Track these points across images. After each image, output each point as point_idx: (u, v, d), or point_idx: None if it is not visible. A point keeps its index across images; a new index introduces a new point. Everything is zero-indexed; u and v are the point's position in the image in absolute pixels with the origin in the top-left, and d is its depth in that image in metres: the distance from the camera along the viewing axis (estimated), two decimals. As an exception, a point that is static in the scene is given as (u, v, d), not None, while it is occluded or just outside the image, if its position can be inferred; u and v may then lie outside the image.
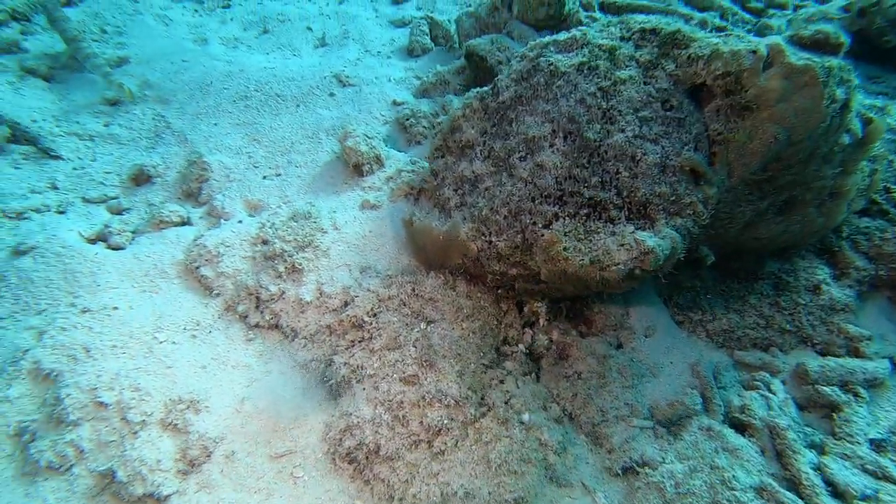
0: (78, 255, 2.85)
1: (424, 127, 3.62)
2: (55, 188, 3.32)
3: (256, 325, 2.74)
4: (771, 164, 2.21)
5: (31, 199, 3.19)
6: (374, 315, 2.58)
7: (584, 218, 2.21)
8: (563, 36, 2.51)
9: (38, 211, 3.14)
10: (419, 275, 2.70)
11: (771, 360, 2.69)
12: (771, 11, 4.24)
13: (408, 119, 3.64)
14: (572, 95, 2.31)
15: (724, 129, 2.17)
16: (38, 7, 4.40)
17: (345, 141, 3.33)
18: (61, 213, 3.21)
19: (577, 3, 3.78)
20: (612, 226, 2.17)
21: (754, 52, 2.07)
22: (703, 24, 3.46)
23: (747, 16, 4.12)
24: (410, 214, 2.79)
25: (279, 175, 3.41)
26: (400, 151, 3.54)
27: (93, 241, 3.05)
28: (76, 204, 3.27)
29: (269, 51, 4.42)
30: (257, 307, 2.76)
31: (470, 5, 4.86)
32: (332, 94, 3.85)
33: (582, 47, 2.42)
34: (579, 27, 2.54)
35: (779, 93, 2.05)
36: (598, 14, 3.78)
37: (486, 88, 2.74)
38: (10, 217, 3.06)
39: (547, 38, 2.56)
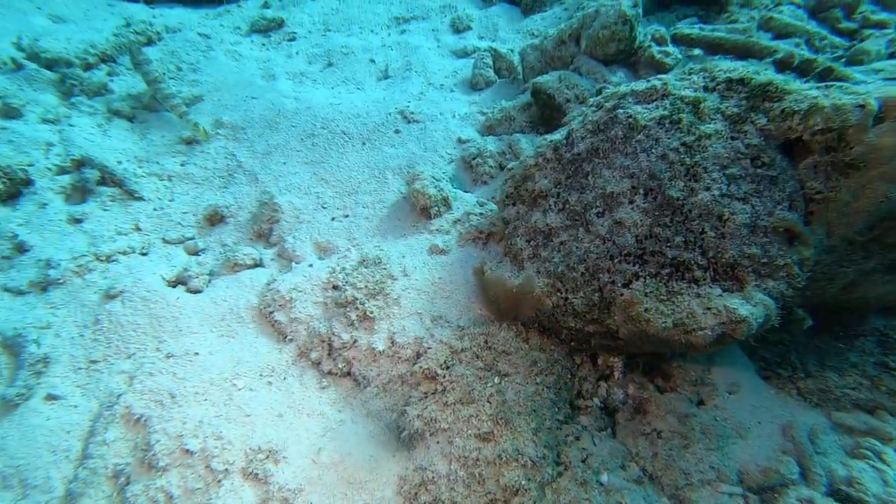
0: (161, 299, 3.00)
1: (491, 166, 3.62)
2: (139, 230, 3.51)
3: (329, 373, 2.80)
4: (880, 223, 2.09)
5: (118, 241, 3.39)
6: (447, 367, 2.59)
7: (667, 278, 2.16)
8: (641, 85, 2.46)
9: (124, 253, 3.33)
10: (491, 326, 2.70)
11: (880, 424, 2.52)
12: (867, 32, 3.98)
13: (474, 158, 3.66)
14: (653, 150, 2.26)
15: (824, 188, 2.07)
16: (124, 49, 4.68)
17: (413, 184, 3.37)
18: (144, 254, 3.39)
19: (649, 37, 3.70)
20: (696, 287, 2.11)
21: (862, 106, 1.97)
22: (789, 59, 3.30)
23: (838, 39, 3.90)
24: (481, 263, 2.79)
25: (347, 216, 3.48)
26: (466, 192, 3.56)
27: (173, 284, 3.20)
28: (157, 245, 3.45)
29: (334, 85, 4.54)
30: (330, 354, 2.82)
31: (535, 35, 4.85)
32: (397, 131, 3.91)
33: (662, 98, 2.37)
34: (659, 76, 2.48)
35: (893, 150, 1.93)
36: (671, 48, 3.68)
37: (559, 137, 2.71)
38: (101, 260, 3.26)
39: (624, 88, 2.51)
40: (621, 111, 2.41)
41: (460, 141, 3.83)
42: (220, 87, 4.48)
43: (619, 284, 2.22)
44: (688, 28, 3.92)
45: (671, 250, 2.15)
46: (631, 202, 2.26)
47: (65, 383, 2.74)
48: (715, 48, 3.63)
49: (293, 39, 5.08)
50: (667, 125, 2.28)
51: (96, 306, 2.98)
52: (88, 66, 4.54)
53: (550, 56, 4.06)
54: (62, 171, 3.66)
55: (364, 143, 3.86)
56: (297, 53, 4.90)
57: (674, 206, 2.17)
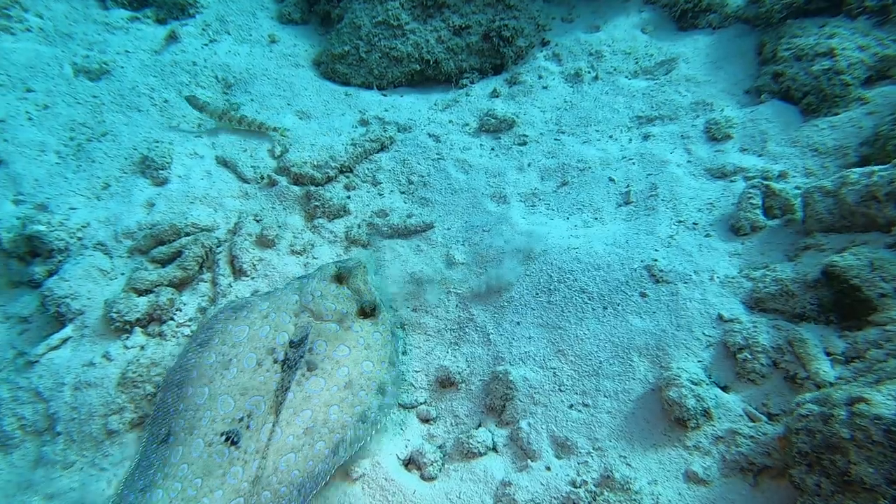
0: (399, 491, 3.12)
1: (762, 364, 3.14)
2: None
3: None
4: None
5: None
6: None
7: None
8: None
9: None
10: None
11: None
12: None
13: (739, 350, 3.21)
14: None
15: None
16: (361, 158, 4.99)
17: (666, 390, 3.07)
18: (382, 418, 3.58)
19: None
20: None
21: None
22: None
23: None
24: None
25: (587, 405, 3.30)
26: (728, 391, 3.14)
27: (407, 465, 3.32)
28: (393, 408, 3.61)
29: (570, 213, 4.33)
30: None
31: (819, 151, 4.10)
32: (643, 294, 3.60)
33: None
34: None
35: None
36: None
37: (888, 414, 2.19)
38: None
39: None
40: None
41: (722, 319, 3.38)
42: (450, 209, 4.55)
43: None
44: None
45: None
46: None
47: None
48: None
49: (524, 144, 4.96)
50: None
51: (337, 490, 3.20)
52: (328, 180, 4.92)
53: (850, 210, 3.38)
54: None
55: (605, 308, 3.62)
56: (528, 165, 4.78)
57: None
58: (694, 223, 3.98)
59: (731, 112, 4.59)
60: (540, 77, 5.53)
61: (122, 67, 6.10)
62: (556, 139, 4.93)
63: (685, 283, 3.60)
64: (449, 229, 4.43)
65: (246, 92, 6.00)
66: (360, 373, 3.21)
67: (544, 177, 4.67)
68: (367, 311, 3.47)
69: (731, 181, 4.16)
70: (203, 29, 6.61)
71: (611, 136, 4.80)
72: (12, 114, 5.51)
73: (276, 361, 3.21)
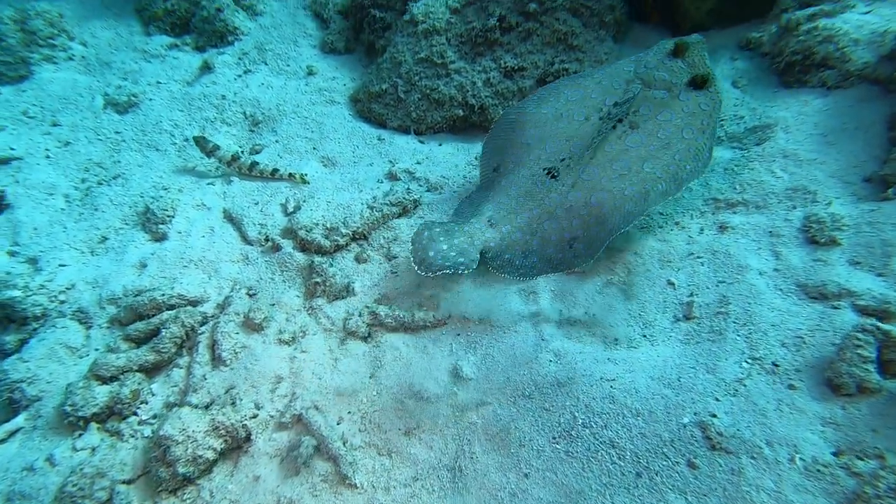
0: None
1: None
2: (344, 534, 3.13)
3: None
4: None
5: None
6: None
7: None
8: None
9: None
10: None
11: None
12: None
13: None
14: None
15: None
16: (377, 224, 4.44)
17: None
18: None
19: None
20: None
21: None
22: None
23: None
24: None
25: None
26: None
27: None
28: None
29: (614, 322, 3.53)
30: None
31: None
32: (691, 465, 2.78)
33: None
34: None
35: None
36: None
37: None
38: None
39: None
40: None
41: (801, 523, 2.51)
42: (467, 300, 3.87)
43: None
44: None
45: None
46: None
47: None
48: None
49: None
50: None
51: None
52: (337, 249, 4.39)
53: None
54: (280, 426, 3.48)
55: (639, 475, 2.83)
56: (567, 252, 4.01)
57: None
58: (774, 363, 3.07)
59: (841, 207, 3.58)
60: (600, 134, 4.73)
61: (151, 100, 5.91)
62: (609, 219, 4.13)
63: (752, 458, 2.73)
64: (462, 330, 3.77)
65: (272, 131, 5.61)
66: (681, 137, 3.53)
67: (587, 270, 3.89)
68: (699, 83, 3.70)
69: (834, 307, 3.19)
70: (239, 58, 6.32)
71: (677, 223, 3.93)
72: (32, 151, 5.42)
73: (601, 118, 3.72)
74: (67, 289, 4.22)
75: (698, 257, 3.70)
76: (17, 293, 3.94)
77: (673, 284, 3.63)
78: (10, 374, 3.60)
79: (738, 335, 3.23)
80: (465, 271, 3.42)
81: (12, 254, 4.53)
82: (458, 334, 3.77)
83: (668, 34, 5.27)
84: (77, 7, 6.85)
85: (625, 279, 3.74)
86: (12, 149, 5.34)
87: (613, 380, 3.20)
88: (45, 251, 4.52)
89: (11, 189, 5.01)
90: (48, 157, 5.36)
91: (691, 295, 3.53)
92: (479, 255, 3.48)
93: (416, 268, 3.44)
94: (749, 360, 3.12)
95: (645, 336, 3.46)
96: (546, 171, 3.59)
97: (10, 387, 3.58)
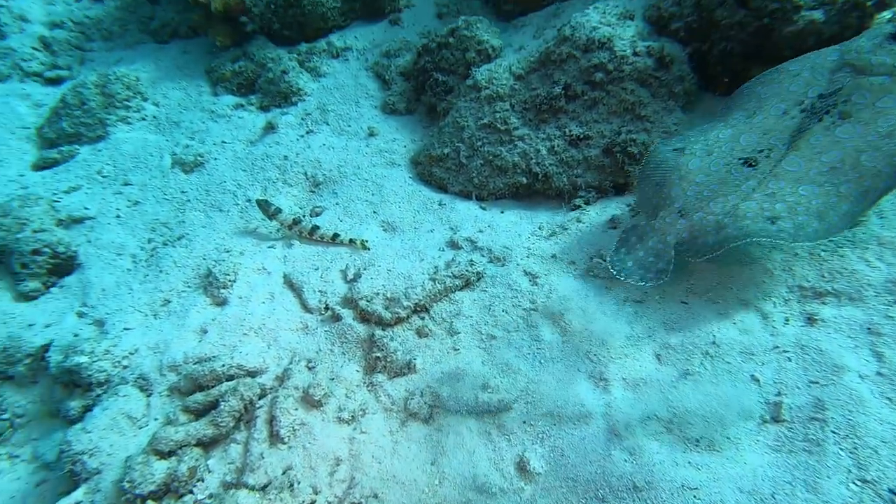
0: None
1: None
2: None
3: None
4: None
5: None
6: None
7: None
8: None
9: None
10: None
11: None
12: None
13: None
14: None
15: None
16: (441, 296, 4.37)
17: None
18: None
19: None
20: None
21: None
22: None
23: None
24: None
25: None
26: None
27: None
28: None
29: (691, 421, 3.32)
30: None
31: None
32: None
33: None
34: None
35: None
36: None
37: None
38: None
39: None
40: None
41: None
42: (536, 385, 3.72)
43: None
44: None
45: None
46: None
47: None
48: None
49: (640, 302, 4.03)
50: None
51: None
52: (398, 321, 4.32)
53: None
54: (342, 518, 3.38)
55: None
56: (646, 336, 3.83)
57: None
58: (892, 491, 2.79)
59: (950, 304, 3.33)
60: (672, 208, 4.58)
61: (216, 159, 6.08)
62: (683, 301, 3.94)
63: None
64: (528, 418, 3.61)
65: (333, 193, 5.68)
66: None
67: (662, 357, 3.70)
68: None
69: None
70: (302, 118, 6.47)
71: (758, 310, 3.72)
72: (104, 210, 5.61)
73: (803, 112, 3.61)
74: (130, 353, 4.27)
75: (784, 351, 3.47)
76: (83, 359, 4.01)
77: (758, 381, 3.40)
78: (73, 446, 3.61)
79: (841, 448, 2.97)
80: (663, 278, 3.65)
81: (81, 314, 4.64)
82: (525, 421, 3.62)
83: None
84: (152, 69, 7.20)
85: (702, 370, 3.53)
86: (86, 208, 5.55)
87: (697, 489, 2.98)
88: (111, 313, 4.61)
89: (83, 249, 5.19)
90: (118, 216, 5.54)
91: (779, 394, 3.30)
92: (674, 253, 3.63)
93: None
94: (858, 482, 2.84)
95: (728, 438, 3.23)
96: (742, 161, 3.58)
97: (73, 458, 3.59)
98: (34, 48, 7.65)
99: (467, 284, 4.49)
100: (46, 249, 4.99)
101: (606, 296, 4.14)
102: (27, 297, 4.94)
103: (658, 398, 3.49)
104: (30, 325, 4.65)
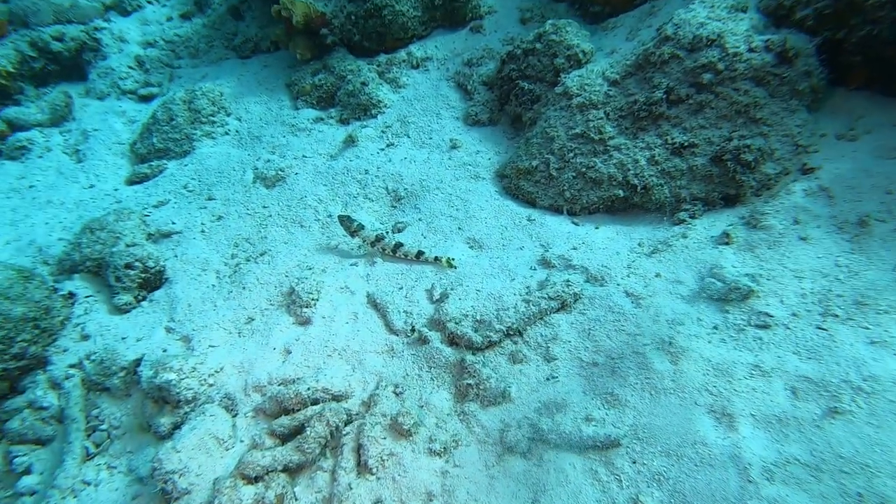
0: None
1: None
2: None
3: None
4: None
5: None
6: None
7: None
8: None
9: None
10: None
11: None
12: None
13: None
14: None
15: None
16: (534, 319, 4.09)
17: None
18: None
19: None
20: None
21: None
22: None
23: None
24: None
25: None
26: None
27: None
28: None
29: (840, 472, 2.88)
30: None
31: None
32: None
33: None
34: None
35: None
36: None
37: None
38: None
39: None
40: None
41: None
42: (647, 419, 3.38)
43: None
44: None
45: None
46: None
47: None
48: None
49: (765, 327, 3.61)
50: None
51: None
52: (490, 345, 4.07)
53: None
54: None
55: None
56: (772, 369, 3.42)
57: None
58: None
59: None
60: (796, 222, 4.11)
61: (297, 174, 6.06)
62: (819, 328, 3.49)
63: None
64: (641, 456, 3.27)
65: (415, 208, 5.52)
66: None
67: (798, 393, 3.26)
68: None
69: None
70: (382, 131, 6.38)
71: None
72: (190, 225, 5.68)
73: None
74: (216, 372, 4.22)
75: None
76: (172, 376, 3.98)
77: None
78: (164, 465, 3.56)
79: None
80: None
81: (169, 330, 4.66)
82: (636, 461, 3.27)
83: (881, 101, 4.59)
84: (235, 84, 7.34)
85: (855, 409, 3.08)
86: (173, 223, 5.64)
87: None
88: (197, 330, 4.60)
89: (171, 264, 5.24)
90: (203, 231, 5.59)
91: None
92: None
93: None
94: None
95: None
96: None
97: (164, 477, 3.53)
98: (129, 67, 7.99)
99: (564, 306, 4.19)
100: (138, 263, 5.07)
101: (722, 319, 3.74)
102: (120, 309, 5.03)
103: (799, 440, 3.06)
104: (123, 338, 4.71)
